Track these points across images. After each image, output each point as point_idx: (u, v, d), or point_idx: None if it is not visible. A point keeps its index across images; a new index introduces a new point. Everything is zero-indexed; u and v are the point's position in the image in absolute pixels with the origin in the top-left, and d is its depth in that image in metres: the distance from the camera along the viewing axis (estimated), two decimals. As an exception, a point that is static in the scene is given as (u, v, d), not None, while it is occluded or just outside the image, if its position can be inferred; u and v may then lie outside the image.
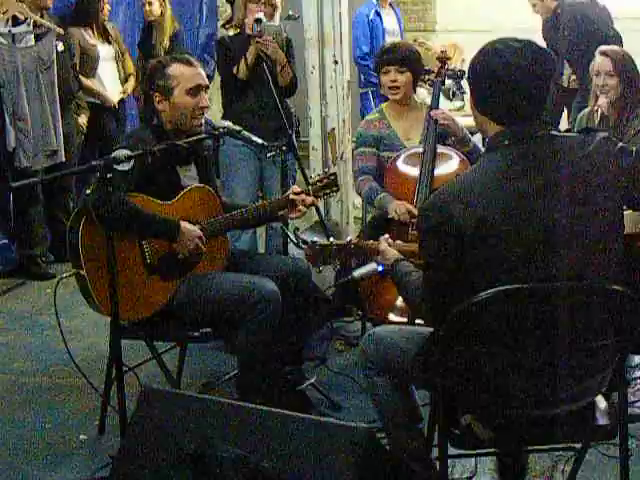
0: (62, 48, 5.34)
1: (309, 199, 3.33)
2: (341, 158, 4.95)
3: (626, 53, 4.03)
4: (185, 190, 3.20)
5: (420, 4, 8.93)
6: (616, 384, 2.30)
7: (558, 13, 6.17)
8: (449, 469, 2.59)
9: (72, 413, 3.48)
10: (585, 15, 6.03)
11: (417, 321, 3.21)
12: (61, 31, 5.33)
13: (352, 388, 3.55)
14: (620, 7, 6.86)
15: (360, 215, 4.54)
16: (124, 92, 6.05)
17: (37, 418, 3.45)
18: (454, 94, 6.65)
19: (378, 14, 6.63)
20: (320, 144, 4.96)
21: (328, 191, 3.41)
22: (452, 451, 2.32)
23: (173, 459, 2.10)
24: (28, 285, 5.29)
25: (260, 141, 3.39)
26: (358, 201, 4.88)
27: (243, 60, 4.14)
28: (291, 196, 3.31)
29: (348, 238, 2.86)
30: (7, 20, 5.04)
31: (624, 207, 2.27)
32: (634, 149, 2.28)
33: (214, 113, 4.53)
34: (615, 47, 4.16)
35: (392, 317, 3.42)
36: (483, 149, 2.59)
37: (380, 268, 2.70)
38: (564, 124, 6.42)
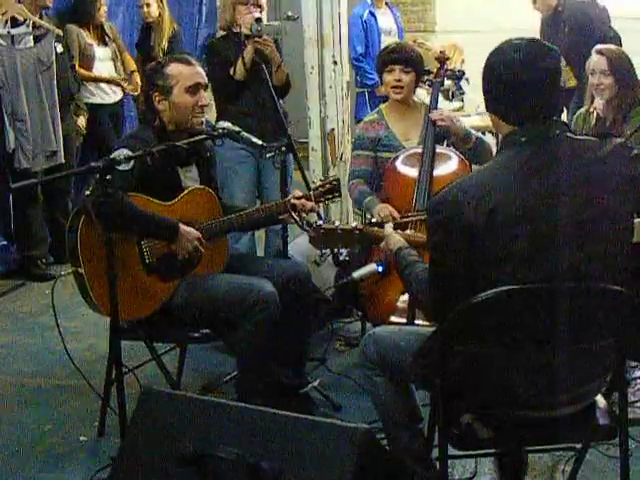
0: (61, 49, 5.33)
1: (309, 204, 3.33)
2: (341, 159, 4.94)
3: (622, 52, 4.00)
4: (186, 191, 3.20)
5: (420, 4, 8.94)
6: (616, 384, 2.30)
7: (559, 10, 6.18)
8: (449, 469, 2.59)
9: (72, 414, 3.48)
10: (585, 13, 6.04)
11: (417, 321, 3.21)
12: (60, 32, 5.33)
13: (352, 388, 3.55)
14: (620, 7, 6.87)
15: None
16: (134, 87, 6.00)
17: (37, 419, 3.44)
18: (453, 95, 6.63)
19: (372, 14, 6.56)
20: (319, 145, 4.95)
21: (330, 197, 3.40)
22: (452, 451, 2.32)
23: (173, 460, 2.10)
24: (28, 286, 5.28)
25: (259, 142, 3.38)
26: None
27: (240, 61, 4.09)
28: (292, 200, 3.32)
29: (354, 224, 2.84)
30: (6, 21, 5.04)
31: (635, 215, 2.24)
32: None
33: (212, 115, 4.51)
34: (611, 46, 4.12)
35: (392, 318, 3.40)
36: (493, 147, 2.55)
37: (380, 269, 2.69)
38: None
